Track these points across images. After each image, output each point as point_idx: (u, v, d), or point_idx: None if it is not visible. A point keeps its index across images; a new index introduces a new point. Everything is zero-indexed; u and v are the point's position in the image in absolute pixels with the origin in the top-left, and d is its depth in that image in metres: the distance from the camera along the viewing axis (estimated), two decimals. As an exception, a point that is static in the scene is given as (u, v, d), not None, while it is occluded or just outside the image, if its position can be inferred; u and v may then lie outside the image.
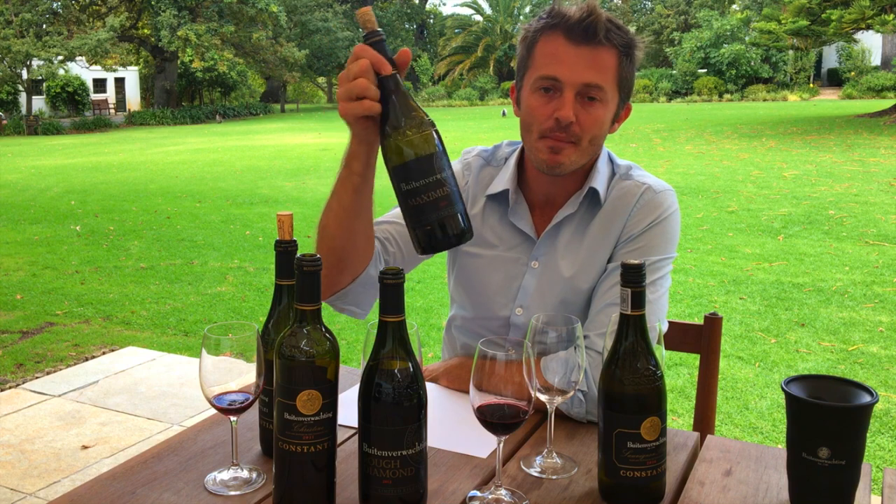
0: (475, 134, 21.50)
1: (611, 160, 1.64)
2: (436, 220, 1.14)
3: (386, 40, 1.18)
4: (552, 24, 1.49)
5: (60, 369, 4.45)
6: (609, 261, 1.57)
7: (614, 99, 1.51)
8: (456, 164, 1.74)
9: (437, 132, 1.15)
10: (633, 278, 1.11)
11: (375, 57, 1.16)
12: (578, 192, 1.59)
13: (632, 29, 1.55)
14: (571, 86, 1.46)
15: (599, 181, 1.58)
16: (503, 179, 1.64)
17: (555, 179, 1.58)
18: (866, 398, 1.09)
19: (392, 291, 1.07)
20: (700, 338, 1.79)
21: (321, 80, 54.92)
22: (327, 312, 1.68)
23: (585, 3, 1.47)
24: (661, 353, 1.18)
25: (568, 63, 1.46)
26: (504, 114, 29.80)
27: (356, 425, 1.11)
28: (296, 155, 17.09)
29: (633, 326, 1.13)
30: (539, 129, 1.51)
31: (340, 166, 1.36)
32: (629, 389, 1.12)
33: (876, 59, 35.54)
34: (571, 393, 1.22)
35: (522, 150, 1.66)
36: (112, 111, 40.91)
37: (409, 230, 1.16)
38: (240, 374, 1.17)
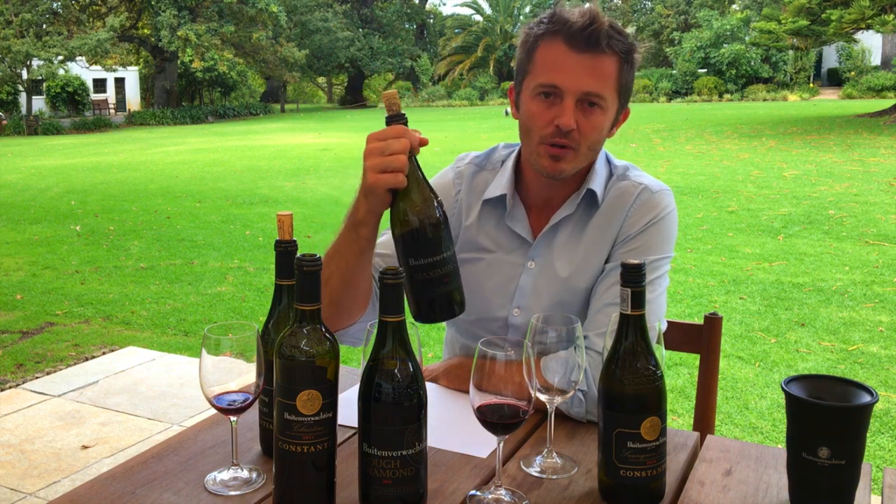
0: (475, 134, 21.49)
1: (608, 161, 1.64)
2: (435, 294, 1.22)
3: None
4: (553, 30, 1.47)
5: (60, 369, 4.45)
6: (607, 261, 1.57)
7: (614, 105, 1.51)
8: (448, 171, 1.74)
9: (443, 212, 1.24)
10: (633, 278, 1.11)
11: (414, 139, 1.25)
12: (576, 193, 1.59)
13: (631, 29, 1.55)
14: (572, 94, 1.46)
15: (597, 182, 1.58)
16: (500, 184, 1.64)
17: (553, 182, 1.59)
18: (866, 398, 1.09)
19: (392, 291, 1.07)
20: (700, 338, 1.79)
21: (321, 80, 54.95)
22: (327, 312, 1.67)
23: (588, 8, 1.46)
24: (661, 353, 1.18)
25: (568, 71, 1.46)
26: (507, 113, 29.78)
27: (356, 425, 1.11)
28: (296, 155, 17.08)
29: (633, 326, 1.13)
30: (539, 135, 1.51)
31: (344, 227, 1.41)
32: (629, 389, 1.12)
33: (876, 59, 35.54)
34: (571, 393, 1.22)
35: (519, 153, 1.65)
36: (112, 111, 40.89)
37: (407, 295, 1.22)
38: (240, 374, 1.17)
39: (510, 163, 1.65)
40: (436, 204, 1.23)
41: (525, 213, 1.63)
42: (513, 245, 1.63)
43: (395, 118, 1.24)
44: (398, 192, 1.24)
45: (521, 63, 1.55)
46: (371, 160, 1.25)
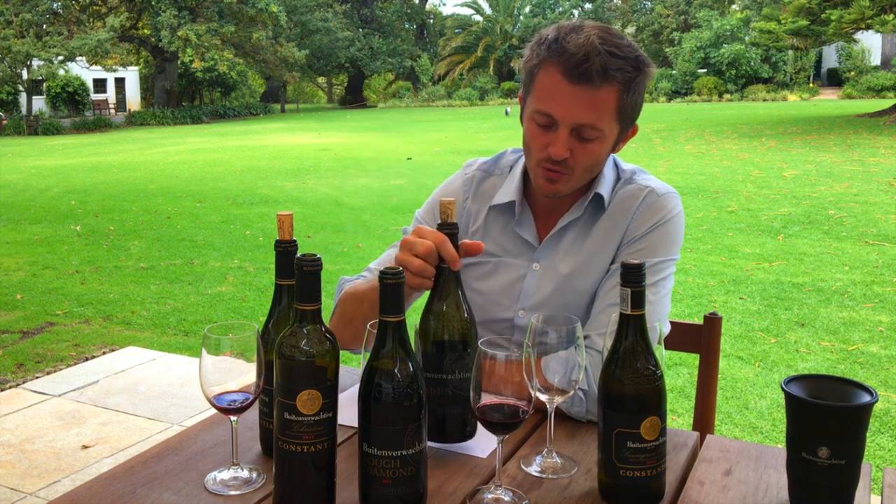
0: (475, 134, 21.50)
1: (616, 165, 1.65)
2: (437, 414, 1.23)
3: (458, 233, 1.28)
4: (551, 60, 1.45)
5: (60, 369, 4.46)
6: (613, 262, 1.57)
7: (613, 131, 1.50)
8: (456, 178, 1.75)
9: (472, 331, 1.24)
10: (633, 278, 1.11)
11: (449, 253, 1.24)
12: (583, 197, 1.60)
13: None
14: (566, 125, 1.46)
15: (604, 187, 1.59)
16: (509, 190, 1.65)
17: None
18: (866, 398, 1.09)
19: (392, 291, 1.07)
20: (700, 338, 1.79)
21: (321, 80, 54.97)
22: (327, 312, 1.69)
23: (585, 40, 1.42)
24: (661, 353, 1.18)
25: (563, 102, 1.44)
26: (507, 112, 29.76)
27: (356, 425, 1.11)
28: (296, 155, 17.08)
29: (632, 326, 1.13)
30: (536, 157, 1.52)
31: (375, 280, 1.46)
32: (629, 389, 1.12)
33: (876, 59, 35.54)
34: (571, 392, 1.22)
35: None
36: (112, 111, 40.91)
37: None
38: (240, 374, 1.17)
39: (518, 169, 1.66)
40: (453, 326, 1.23)
41: (533, 218, 1.64)
42: (519, 250, 1.63)
43: (442, 226, 1.26)
44: (430, 292, 1.27)
45: (525, 82, 1.55)
46: (400, 253, 1.30)
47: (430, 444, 1.24)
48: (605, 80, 1.42)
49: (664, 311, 1.55)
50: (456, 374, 1.23)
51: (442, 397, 1.22)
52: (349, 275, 1.73)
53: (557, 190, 1.54)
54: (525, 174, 1.66)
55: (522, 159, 1.67)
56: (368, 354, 1.10)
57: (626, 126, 1.53)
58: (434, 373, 1.23)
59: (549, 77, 1.46)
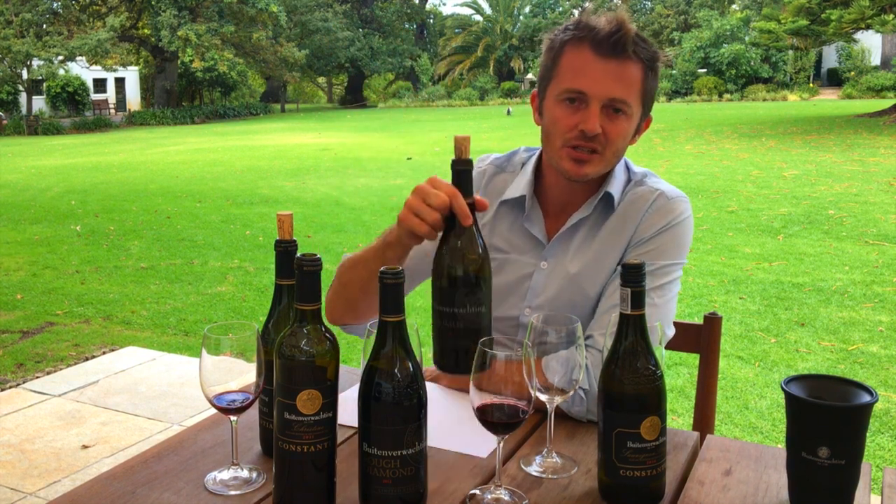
0: (475, 134, 21.44)
1: (627, 167, 1.66)
2: (450, 346, 1.23)
3: (472, 170, 1.24)
4: (580, 37, 1.48)
5: (60, 369, 4.46)
6: (619, 264, 1.57)
7: (637, 112, 1.53)
8: None
9: (483, 269, 1.21)
10: (633, 278, 1.11)
11: (461, 209, 1.21)
12: (594, 196, 1.60)
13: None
14: (598, 99, 1.47)
15: (615, 186, 1.59)
16: (520, 185, 1.65)
17: (573, 186, 1.60)
18: (866, 398, 1.09)
19: (392, 291, 1.07)
20: (700, 337, 1.79)
21: (321, 80, 54.96)
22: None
23: (614, 16, 1.47)
24: (661, 354, 1.18)
25: (595, 77, 1.47)
26: (509, 112, 29.73)
27: (356, 425, 1.11)
28: (296, 155, 17.08)
29: (632, 326, 1.13)
30: (563, 139, 1.52)
31: (376, 241, 1.46)
32: (629, 389, 1.12)
33: (876, 59, 35.53)
34: (571, 392, 1.22)
35: (540, 156, 1.66)
36: (112, 111, 40.90)
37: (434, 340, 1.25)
38: (240, 374, 1.17)
39: (530, 166, 1.66)
40: (468, 259, 1.20)
41: (542, 215, 1.64)
42: (527, 246, 1.63)
43: (457, 163, 1.23)
44: (441, 236, 1.24)
45: (546, 69, 1.56)
46: (412, 199, 1.27)
47: (441, 371, 1.26)
48: (635, 54, 1.47)
49: (670, 314, 1.55)
50: (468, 308, 1.21)
51: (453, 331, 1.21)
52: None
53: (585, 173, 1.53)
54: (537, 171, 1.66)
55: (535, 157, 1.68)
56: (368, 354, 1.10)
57: (646, 112, 1.56)
58: (446, 307, 1.21)
59: (577, 55, 1.49)
